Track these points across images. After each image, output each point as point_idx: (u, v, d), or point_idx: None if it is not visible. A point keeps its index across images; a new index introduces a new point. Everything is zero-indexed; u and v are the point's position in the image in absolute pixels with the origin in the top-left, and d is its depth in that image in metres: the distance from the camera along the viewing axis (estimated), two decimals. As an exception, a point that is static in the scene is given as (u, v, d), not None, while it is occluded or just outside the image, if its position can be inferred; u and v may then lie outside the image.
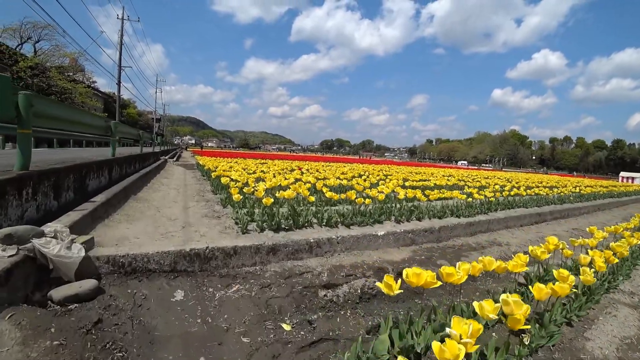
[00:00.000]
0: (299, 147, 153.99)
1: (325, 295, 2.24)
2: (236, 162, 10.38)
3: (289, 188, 3.97)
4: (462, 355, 1.11)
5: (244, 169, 7.46)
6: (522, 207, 6.32)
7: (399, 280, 1.52)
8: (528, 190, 7.97)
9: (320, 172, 8.37)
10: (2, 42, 22.04)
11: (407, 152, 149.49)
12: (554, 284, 1.96)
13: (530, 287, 1.94)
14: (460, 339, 1.17)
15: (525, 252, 4.16)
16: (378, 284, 1.50)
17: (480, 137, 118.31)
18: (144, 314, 1.82)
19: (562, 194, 8.72)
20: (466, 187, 8.19)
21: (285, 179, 5.52)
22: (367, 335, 1.87)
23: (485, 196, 5.89)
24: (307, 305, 2.14)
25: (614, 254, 2.97)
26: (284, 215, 3.33)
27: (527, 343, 1.80)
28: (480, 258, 2.11)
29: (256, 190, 3.68)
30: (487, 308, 1.44)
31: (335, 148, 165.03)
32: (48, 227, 1.97)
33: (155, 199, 4.44)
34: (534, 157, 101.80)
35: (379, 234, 3.32)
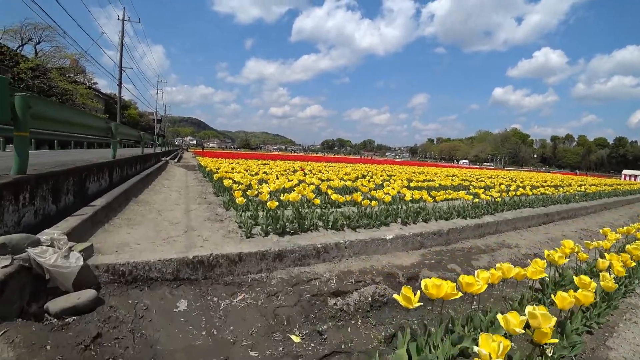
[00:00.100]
0: (300, 147, 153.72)
1: (335, 304, 2.14)
2: (238, 162, 10.27)
3: (294, 190, 3.88)
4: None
5: (246, 170, 7.36)
6: (528, 207, 6.21)
7: (418, 293, 1.42)
8: (534, 190, 7.86)
9: (323, 173, 8.27)
10: (3, 44, 22.04)
11: (408, 151, 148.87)
12: (575, 291, 1.87)
13: (552, 295, 1.84)
14: (490, 358, 1.08)
15: (536, 254, 4.08)
16: (396, 296, 1.40)
17: (482, 136, 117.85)
18: (146, 326, 1.73)
19: (567, 193, 8.60)
20: (471, 187, 8.08)
21: (289, 180, 5.43)
22: (381, 347, 1.78)
23: (492, 196, 5.78)
24: (316, 315, 2.05)
25: (631, 257, 2.87)
26: (289, 218, 3.24)
27: (549, 355, 1.70)
28: (498, 265, 2.01)
29: (260, 193, 3.59)
30: (512, 322, 1.34)
31: (336, 148, 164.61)
32: (45, 235, 1.88)
33: (157, 202, 4.36)
34: (535, 156, 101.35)
35: (387, 237, 3.22)
